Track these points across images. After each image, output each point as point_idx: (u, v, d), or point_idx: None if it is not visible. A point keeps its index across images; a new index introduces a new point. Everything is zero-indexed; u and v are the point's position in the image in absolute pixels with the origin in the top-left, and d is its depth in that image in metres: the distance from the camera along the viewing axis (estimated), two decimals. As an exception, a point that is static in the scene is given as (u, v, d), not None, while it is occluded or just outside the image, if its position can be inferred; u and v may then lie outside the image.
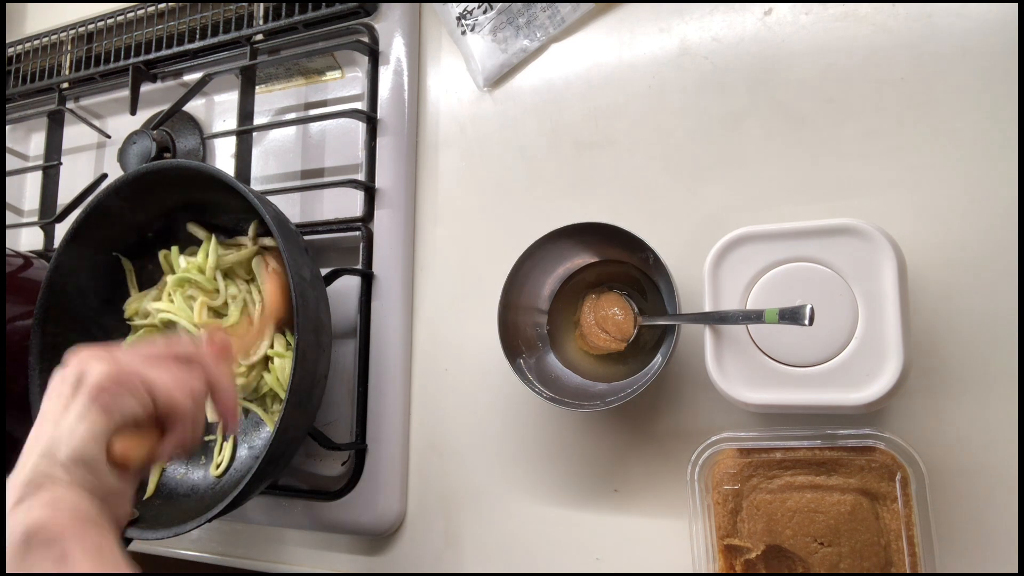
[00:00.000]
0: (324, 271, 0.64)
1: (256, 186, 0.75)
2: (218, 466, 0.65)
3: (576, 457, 0.60)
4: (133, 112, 0.80)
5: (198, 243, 0.69)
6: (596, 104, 0.63)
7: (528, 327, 0.60)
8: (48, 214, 0.83)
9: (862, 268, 0.47)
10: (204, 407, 0.46)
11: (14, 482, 0.40)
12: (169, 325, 0.66)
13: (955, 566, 0.48)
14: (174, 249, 0.68)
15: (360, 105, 0.71)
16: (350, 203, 0.69)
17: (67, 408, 0.41)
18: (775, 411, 0.52)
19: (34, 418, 0.61)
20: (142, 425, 0.44)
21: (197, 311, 0.64)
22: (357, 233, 0.68)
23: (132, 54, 0.82)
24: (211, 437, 0.67)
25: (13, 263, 0.73)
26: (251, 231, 0.66)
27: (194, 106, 0.81)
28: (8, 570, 0.37)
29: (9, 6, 0.99)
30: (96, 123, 0.86)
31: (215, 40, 0.77)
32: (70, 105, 0.87)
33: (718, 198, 0.58)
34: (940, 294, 0.50)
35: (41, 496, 0.39)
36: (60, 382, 0.43)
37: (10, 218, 0.92)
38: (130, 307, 0.69)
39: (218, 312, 0.66)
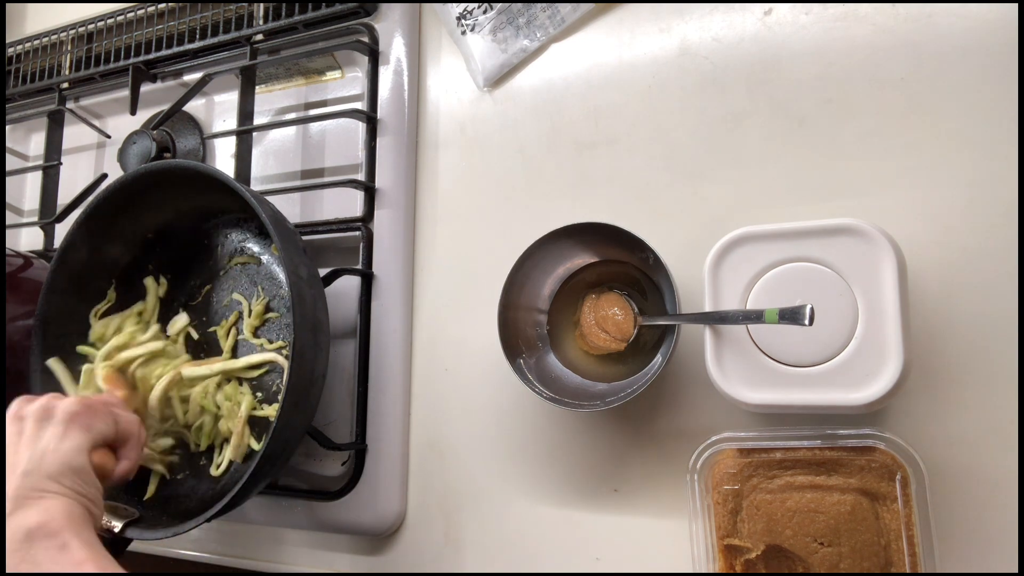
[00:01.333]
0: (324, 271, 0.64)
1: (256, 186, 0.75)
2: (218, 467, 0.65)
3: (576, 457, 0.60)
4: (133, 112, 0.80)
5: (184, 263, 0.70)
6: (596, 104, 0.63)
7: (528, 327, 0.60)
8: (48, 214, 0.83)
9: (862, 268, 0.47)
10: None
11: (12, 489, 0.46)
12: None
13: (955, 566, 0.48)
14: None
15: (360, 105, 0.71)
16: (350, 203, 0.69)
17: (40, 434, 0.49)
18: (775, 411, 0.52)
19: None
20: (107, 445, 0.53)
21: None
22: (357, 233, 0.68)
23: (132, 54, 0.82)
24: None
25: (13, 263, 0.73)
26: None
27: (194, 106, 0.81)
28: (11, 563, 0.43)
29: (9, 6, 0.99)
30: (96, 123, 0.86)
31: (215, 40, 0.77)
32: (70, 105, 0.87)
33: (718, 198, 0.58)
34: (940, 294, 0.50)
35: (35, 505, 0.45)
36: (18, 419, 0.50)
37: (10, 218, 0.92)
38: (96, 331, 0.68)
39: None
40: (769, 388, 0.49)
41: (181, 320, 0.69)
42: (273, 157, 0.76)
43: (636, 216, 0.60)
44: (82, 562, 0.42)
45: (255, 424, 0.64)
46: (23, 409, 0.51)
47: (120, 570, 0.44)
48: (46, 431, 0.49)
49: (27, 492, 0.45)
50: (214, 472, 0.65)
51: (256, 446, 0.63)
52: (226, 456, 0.65)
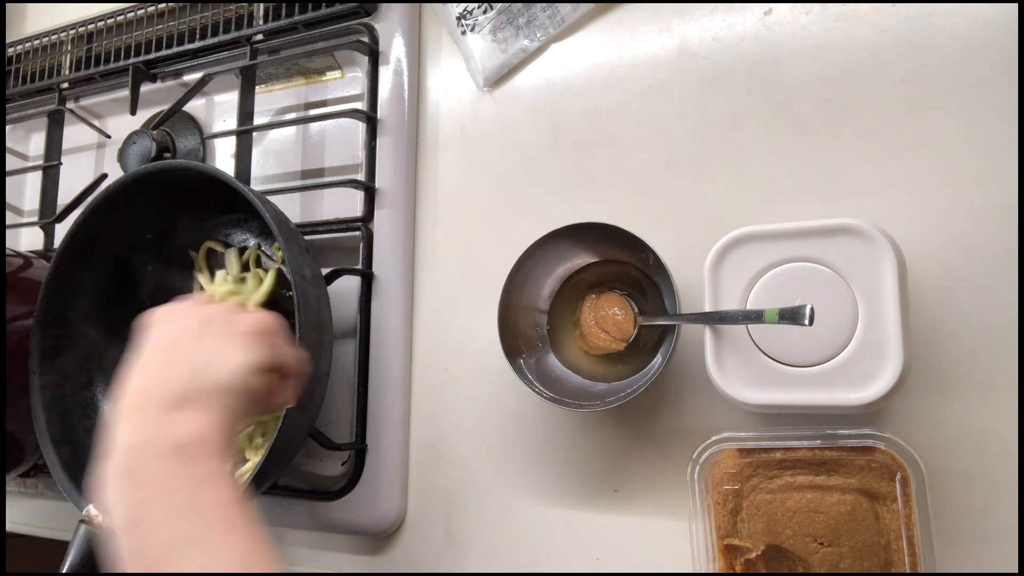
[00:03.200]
0: (324, 271, 0.64)
1: (256, 186, 0.75)
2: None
3: (576, 457, 0.60)
4: (133, 112, 0.80)
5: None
6: (596, 104, 0.63)
7: (528, 327, 0.60)
8: (48, 214, 0.83)
9: (862, 268, 0.47)
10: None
11: (164, 393, 0.41)
12: None
13: (955, 566, 0.48)
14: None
15: (360, 105, 0.71)
16: (350, 203, 0.69)
17: (217, 340, 0.45)
18: (775, 411, 0.52)
19: (34, 420, 0.61)
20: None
21: None
22: (357, 233, 0.68)
23: (132, 54, 0.82)
24: None
25: (13, 263, 0.73)
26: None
27: (194, 106, 0.81)
28: (157, 466, 0.38)
29: (9, 6, 0.99)
30: (96, 123, 0.86)
31: (215, 40, 0.77)
32: (70, 105, 0.87)
33: (718, 198, 0.58)
34: (940, 294, 0.50)
35: (198, 414, 0.41)
36: (179, 316, 0.46)
37: (10, 218, 0.92)
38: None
39: None
40: (769, 388, 0.49)
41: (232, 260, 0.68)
42: (273, 157, 0.76)
43: (636, 216, 0.60)
44: (229, 502, 0.38)
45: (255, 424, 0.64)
46: (189, 310, 0.47)
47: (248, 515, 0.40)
48: (226, 338, 0.45)
49: (193, 394, 0.41)
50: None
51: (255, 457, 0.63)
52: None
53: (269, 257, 0.68)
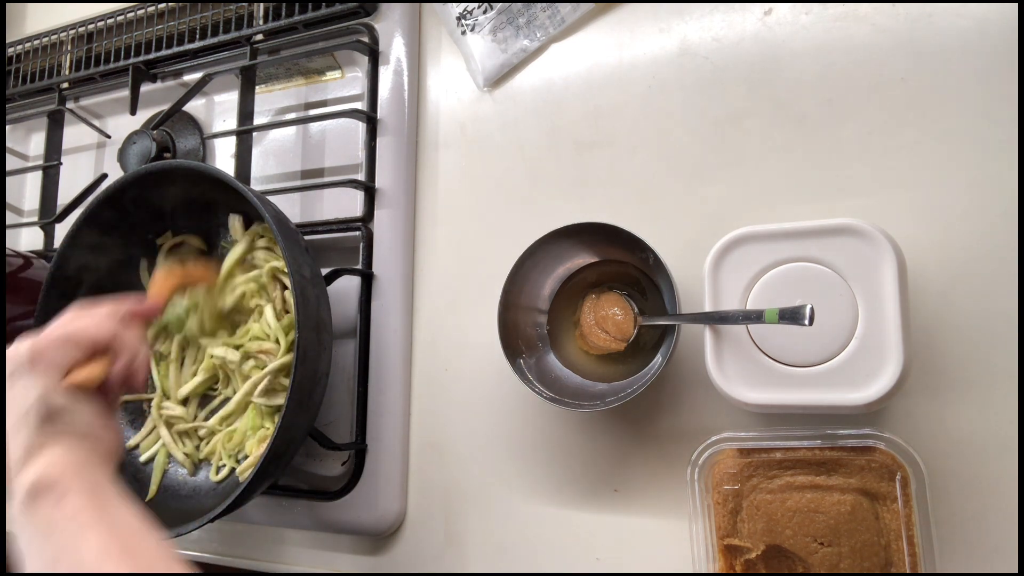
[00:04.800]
0: (324, 271, 0.64)
1: (256, 186, 0.75)
2: (218, 471, 0.65)
3: (576, 457, 0.60)
4: (133, 112, 0.80)
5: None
6: (596, 104, 0.63)
7: (528, 327, 0.60)
8: (48, 214, 0.83)
9: (862, 268, 0.47)
10: (138, 333, 0.52)
11: (11, 461, 0.44)
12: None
13: (955, 566, 0.48)
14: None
15: (360, 105, 0.71)
16: (350, 203, 0.69)
17: (14, 392, 0.46)
18: (775, 411, 0.52)
19: None
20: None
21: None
22: (357, 233, 0.68)
23: (132, 54, 0.82)
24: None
25: (13, 263, 0.73)
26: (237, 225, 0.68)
27: (194, 106, 0.81)
28: (19, 524, 0.41)
29: (9, 6, 0.99)
30: (96, 123, 0.86)
31: (215, 40, 0.77)
32: (70, 105, 0.87)
33: (718, 198, 0.58)
34: (940, 294, 0.50)
35: (34, 461, 0.43)
36: (8, 377, 0.47)
37: (10, 218, 0.92)
38: None
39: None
40: (769, 388, 0.49)
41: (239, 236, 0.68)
42: (273, 157, 0.76)
43: (636, 216, 0.60)
44: (75, 513, 0.40)
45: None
46: (8, 353, 0.48)
47: (126, 513, 0.42)
48: (16, 386, 0.46)
49: (25, 451, 0.43)
50: (214, 477, 0.65)
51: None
52: (227, 463, 0.65)
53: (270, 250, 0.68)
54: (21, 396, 0.45)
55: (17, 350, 0.47)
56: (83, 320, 0.50)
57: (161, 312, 0.59)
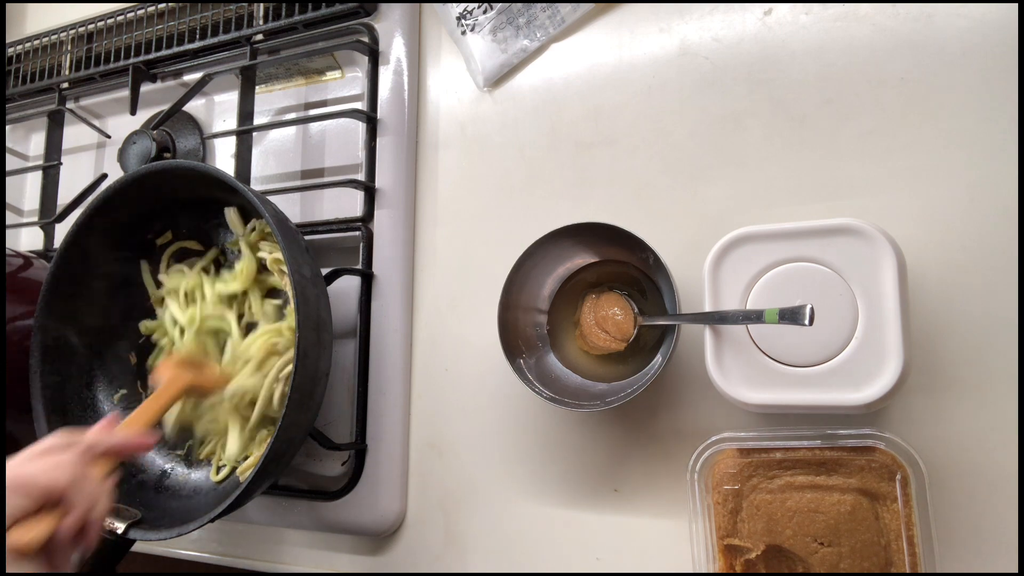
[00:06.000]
0: (324, 271, 0.64)
1: (256, 186, 0.75)
2: (218, 471, 0.65)
3: (576, 457, 0.60)
4: (133, 112, 0.80)
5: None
6: (596, 104, 0.63)
7: (528, 327, 0.60)
8: (48, 214, 0.83)
9: (862, 268, 0.47)
10: (92, 481, 0.47)
11: None
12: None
13: (955, 566, 0.48)
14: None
15: (360, 105, 0.71)
16: (350, 203, 0.69)
17: None
18: (775, 411, 0.52)
19: (34, 420, 0.61)
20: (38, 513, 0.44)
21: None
22: (357, 233, 0.68)
23: (132, 54, 0.82)
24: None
25: (13, 263, 0.73)
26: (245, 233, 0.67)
27: (194, 106, 0.81)
28: None
29: (9, 6, 0.99)
30: (96, 123, 0.86)
31: (215, 40, 0.77)
32: (70, 105, 0.87)
33: (718, 198, 0.58)
34: (940, 294, 0.50)
35: None
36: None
37: (10, 218, 0.92)
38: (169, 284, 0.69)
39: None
40: (769, 388, 0.49)
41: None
42: (273, 157, 0.76)
43: (636, 216, 0.60)
44: None
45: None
46: None
47: None
48: None
49: None
50: (214, 477, 0.65)
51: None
52: (228, 463, 0.65)
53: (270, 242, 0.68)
54: None
55: None
56: (44, 464, 0.44)
57: (155, 442, 0.54)
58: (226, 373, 0.62)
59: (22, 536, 0.42)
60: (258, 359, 0.62)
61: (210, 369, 0.62)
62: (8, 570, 0.41)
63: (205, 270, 0.69)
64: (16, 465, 0.44)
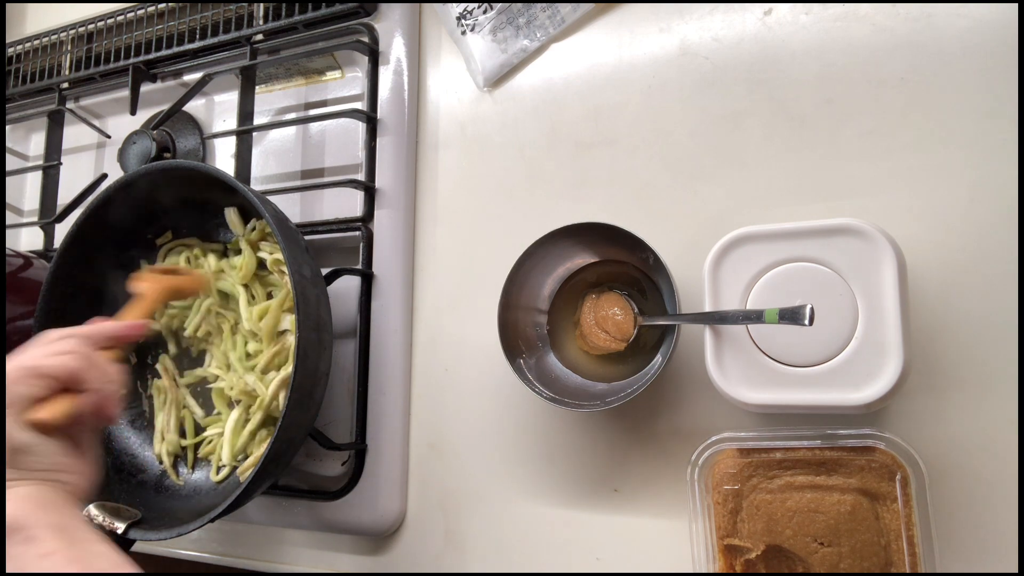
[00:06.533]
0: (324, 271, 0.64)
1: (256, 186, 0.75)
2: (218, 471, 0.65)
3: (576, 457, 0.60)
4: (133, 112, 0.80)
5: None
6: (596, 104, 0.63)
7: (528, 327, 0.60)
8: (48, 214, 0.83)
9: (862, 268, 0.47)
10: (102, 360, 0.48)
11: None
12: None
13: (955, 566, 0.48)
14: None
15: (360, 105, 0.71)
16: (350, 203, 0.69)
17: None
18: (775, 411, 0.52)
19: None
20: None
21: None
22: (357, 233, 0.68)
23: (132, 54, 0.82)
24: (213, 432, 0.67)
25: (13, 263, 0.73)
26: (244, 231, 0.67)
27: (194, 106, 0.81)
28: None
29: (9, 6, 0.99)
30: (96, 123, 0.86)
31: (215, 40, 0.77)
32: (70, 105, 0.87)
33: (718, 198, 0.58)
34: (940, 294, 0.50)
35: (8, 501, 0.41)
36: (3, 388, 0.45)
37: (10, 218, 0.92)
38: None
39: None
40: (769, 388, 0.49)
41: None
42: (273, 157, 0.76)
43: (636, 216, 0.60)
44: (49, 553, 0.39)
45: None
46: None
47: (100, 551, 0.40)
48: None
49: None
50: (214, 477, 0.65)
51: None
52: (227, 464, 0.65)
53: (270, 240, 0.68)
54: None
55: None
56: (50, 351, 0.47)
57: (146, 329, 0.56)
58: (204, 276, 0.65)
59: (42, 411, 0.44)
60: (268, 330, 0.63)
61: (188, 273, 0.64)
62: (34, 451, 0.43)
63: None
64: (26, 358, 0.46)
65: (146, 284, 0.60)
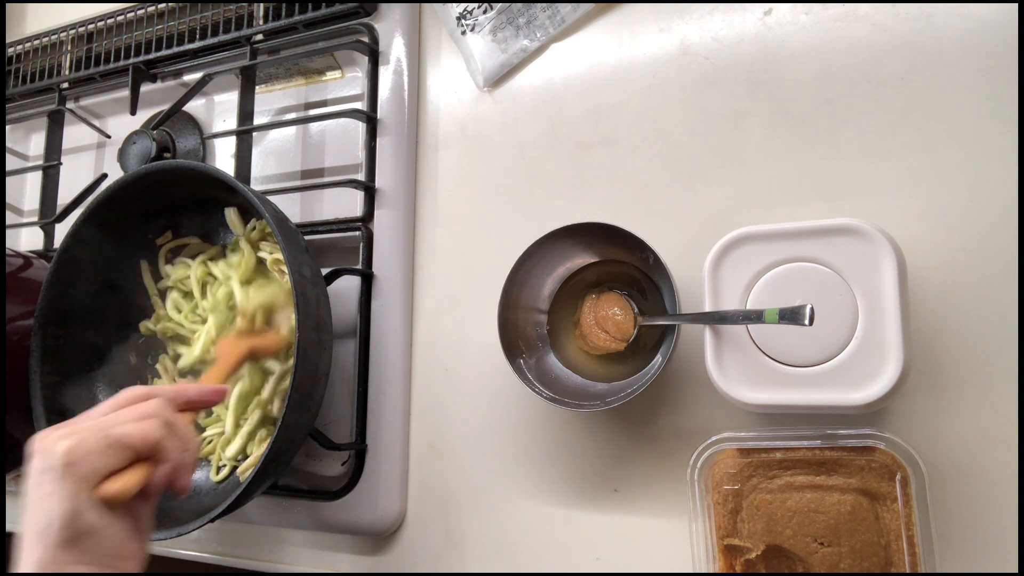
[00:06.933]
0: (324, 271, 0.64)
1: (256, 186, 0.75)
2: (218, 471, 0.65)
3: (576, 457, 0.60)
4: (133, 112, 0.80)
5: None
6: (596, 104, 0.63)
7: (528, 327, 0.60)
8: (48, 214, 0.83)
9: (862, 268, 0.47)
10: (183, 428, 0.46)
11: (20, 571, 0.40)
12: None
13: (955, 566, 0.48)
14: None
15: (360, 105, 0.71)
16: (350, 203, 0.69)
17: (40, 490, 0.41)
18: (775, 411, 0.52)
19: (34, 420, 0.61)
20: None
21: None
22: (357, 233, 0.68)
23: (132, 54, 0.82)
24: (212, 433, 0.67)
25: (13, 263, 0.73)
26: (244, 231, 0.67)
27: (194, 106, 0.81)
28: None
29: (9, 6, 0.99)
30: (96, 123, 0.86)
31: (215, 40, 0.77)
32: (70, 105, 0.87)
33: (718, 198, 0.58)
34: (940, 294, 0.50)
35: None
36: (34, 472, 0.42)
37: (10, 218, 0.92)
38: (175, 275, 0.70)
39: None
40: (769, 388, 0.49)
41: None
42: (273, 157, 0.76)
43: (636, 216, 0.60)
44: None
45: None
46: (36, 460, 0.42)
47: None
48: (44, 486, 0.41)
49: (38, 568, 0.39)
50: (214, 477, 0.65)
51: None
52: (227, 463, 0.65)
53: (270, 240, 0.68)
54: (47, 504, 0.40)
55: (51, 447, 0.41)
56: (133, 414, 0.44)
57: (227, 395, 0.54)
58: (284, 337, 0.62)
59: (115, 485, 0.42)
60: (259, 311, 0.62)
61: (267, 334, 0.63)
62: (101, 533, 0.41)
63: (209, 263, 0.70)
64: (103, 428, 0.43)
65: (227, 347, 0.59)
